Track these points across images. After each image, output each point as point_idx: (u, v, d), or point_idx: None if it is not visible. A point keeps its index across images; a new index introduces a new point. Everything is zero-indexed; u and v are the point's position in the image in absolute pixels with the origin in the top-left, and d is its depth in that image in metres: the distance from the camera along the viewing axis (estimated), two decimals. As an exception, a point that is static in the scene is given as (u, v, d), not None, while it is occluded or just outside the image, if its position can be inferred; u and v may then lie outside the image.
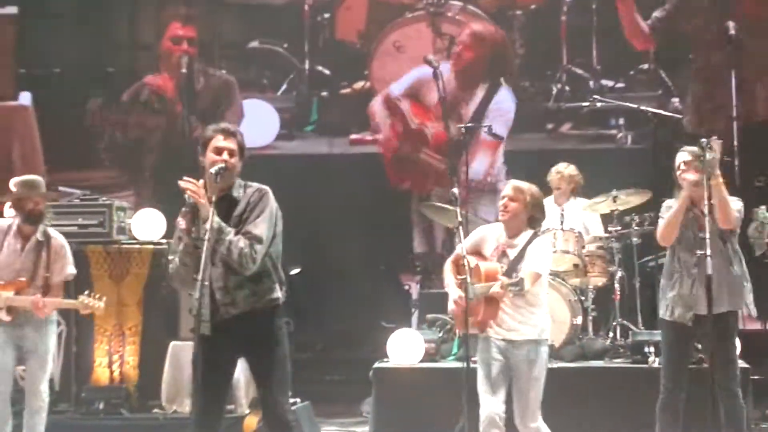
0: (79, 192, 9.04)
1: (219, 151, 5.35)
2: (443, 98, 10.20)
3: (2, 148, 10.79)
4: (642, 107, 8.77)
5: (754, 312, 6.36)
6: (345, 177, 10.80)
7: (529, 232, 6.11)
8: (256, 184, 5.48)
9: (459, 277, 5.92)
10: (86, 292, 6.98)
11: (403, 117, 11.02)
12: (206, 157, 5.37)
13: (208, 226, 5.13)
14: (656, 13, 10.59)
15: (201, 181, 5.28)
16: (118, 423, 8.05)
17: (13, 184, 7.24)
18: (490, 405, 5.96)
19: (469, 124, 8.94)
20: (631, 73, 10.95)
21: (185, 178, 5.27)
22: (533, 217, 6.13)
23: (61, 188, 9.27)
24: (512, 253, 6.05)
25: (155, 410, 8.13)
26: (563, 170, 8.77)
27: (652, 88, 10.84)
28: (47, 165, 10.62)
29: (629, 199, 8.37)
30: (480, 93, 10.87)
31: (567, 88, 10.85)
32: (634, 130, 10.43)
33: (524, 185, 6.15)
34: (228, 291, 5.30)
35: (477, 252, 6.12)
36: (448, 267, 6.18)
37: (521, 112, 10.85)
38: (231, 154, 5.36)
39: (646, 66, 10.94)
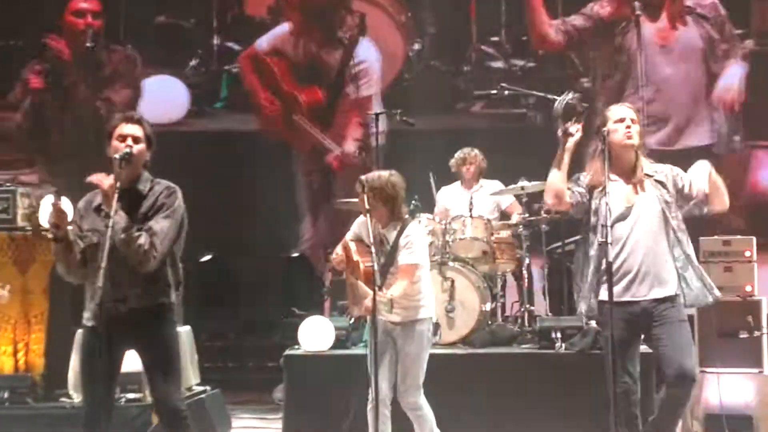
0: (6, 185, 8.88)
1: (123, 138, 5.30)
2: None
3: None
4: (550, 96, 8.85)
5: None
6: (256, 155, 10.75)
7: (397, 223, 6.27)
8: (164, 182, 5.43)
9: (367, 264, 6.02)
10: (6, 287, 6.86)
11: (273, 77, 10.98)
12: (111, 146, 5.31)
13: (111, 218, 5.06)
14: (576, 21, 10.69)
15: (111, 175, 5.21)
16: (24, 412, 7.90)
17: None
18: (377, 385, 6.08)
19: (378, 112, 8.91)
20: (541, 53, 11.07)
21: (95, 175, 5.21)
22: (388, 205, 6.25)
23: None
24: (389, 241, 6.25)
25: (62, 399, 8.00)
26: (466, 155, 8.85)
27: (562, 67, 10.97)
28: None
29: (536, 187, 8.46)
30: (336, 54, 10.90)
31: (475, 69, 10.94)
32: (545, 110, 10.52)
33: (375, 182, 6.21)
34: (120, 287, 5.25)
35: (360, 239, 6.28)
36: (338, 247, 6.41)
37: (431, 91, 10.87)
38: (135, 140, 5.31)
39: None
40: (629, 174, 5.79)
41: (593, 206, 5.76)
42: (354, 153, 10.56)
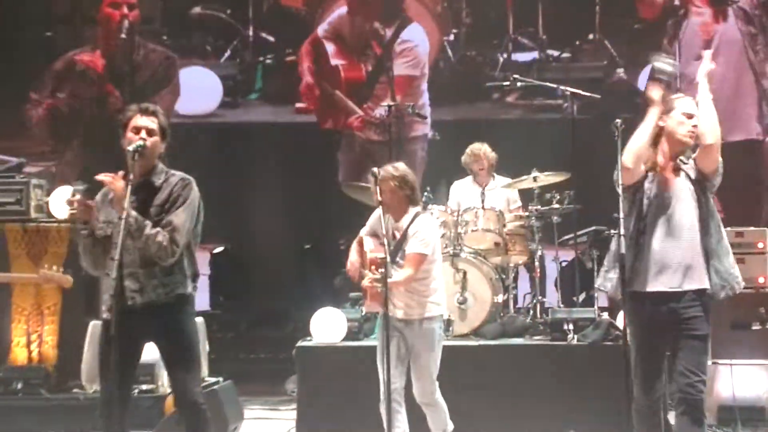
0: (15, 160, 8.90)
1: (137, 130, 5.29)
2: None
3: None
4: (562, 87, 8.82)
5: None
6: (287, 147, 10.74)
7: (412, 212, 6.23)
8: (179, 173, 5.42)
9: (379, 257, 5.93)
10: (46, 266, 6.85)
11: (324, 57, 10.94)
12: (125, 137, 5.31)
13: (122, 216, 5.07)
14: None
15: (120, 173, 5.21)
16: (38, 403, 7.96)
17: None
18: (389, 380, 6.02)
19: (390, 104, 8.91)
20: (577, 43, 11.03)
21: (104, 174, 5.21)
22: (408, 196, 6.21)
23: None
24: (399, 233, 6.22)
25: (75, 390, 8.05)
26: (478, 150, 8.83)
27: (598, 58, 10.94)
28: None
29: (548, 179, 8.46)
30: (389, 32, 10.85)
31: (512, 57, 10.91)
32: (581, 100, 10.49)
33: (387, 172, 6.18)
34: (138, 279, 5.27)
35: (374, 234, 6.26)
36: (353, 246, 6.38)
37: (468, 81, 10.84)
38: (149, 133, 5.30)
39: (591, 36, 11.03)
40: (670, 164, 5.52)
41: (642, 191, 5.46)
42: (379, 115, 10.48)
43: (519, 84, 8.82)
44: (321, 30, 11.04)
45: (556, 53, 10.99)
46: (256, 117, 11.12)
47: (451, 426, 6.52)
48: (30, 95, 10.79)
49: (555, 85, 8.96)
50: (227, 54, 11.27)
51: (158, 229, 5.22)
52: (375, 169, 6.09)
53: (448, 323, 7.50)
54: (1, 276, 7.06)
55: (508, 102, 10.88)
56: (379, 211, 6.14)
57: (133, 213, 5.16)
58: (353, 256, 6.36)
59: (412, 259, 6.12)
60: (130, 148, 5.22)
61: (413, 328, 6.23)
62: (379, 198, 6.01)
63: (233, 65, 11.25)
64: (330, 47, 10.93)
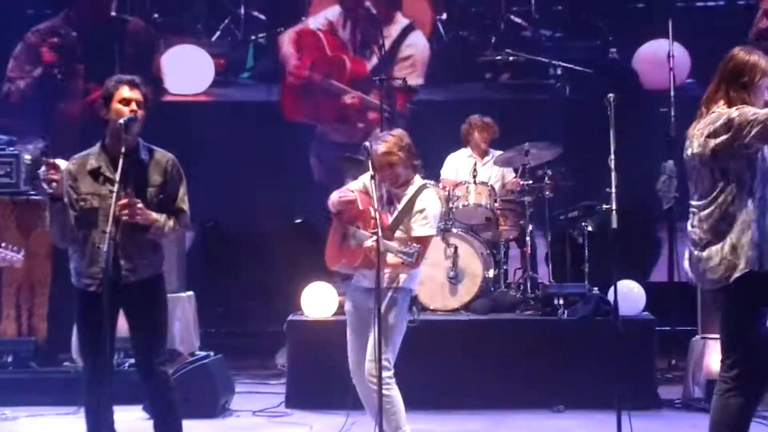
0: (5, 138, 8.84)
1: (126, 102, 5.25)
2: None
3: None
4: (554, 61, 8.80)
5: None
6: (277, 125, 10.69)
7: (417, 182, 5.87)
8: (159, 150, 5.43)
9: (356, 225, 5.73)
10: (2, 245, 6.83)
11: (319, 47, 10.83)
12: (111, 110, 5.26)
13: (114, 189, 5.09)
14: None
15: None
16: (28, 376, 7.95)
17: None
18: (353, 358, 5.89)
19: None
20: (570, 23, 10.98)
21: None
22: (412, 164, 5.84)
23: None
24: (401, 203, 5.82)
25: (66, 363, 8.04)
26: (484, 123, 8.80)
27: (591, 38, 10.92)
28: None
29: (541, 153, 8.44)
30: (394, 34, 10.81)
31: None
32: (573, 81, 10.39)
33: (390, 143, 5.77)
34: (132, 258, 5.28)
35: (366, 192, 5.86)
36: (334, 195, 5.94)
37: (460, 61, 10.78)
38: (138, 105, 5.28)
39: (584, 16, 10.99)
40: None
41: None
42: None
43: (511, 59, 8.78)
44: (315, 23, 10.94)
45: (548, 33, 10.95)
46: (248, 96, 11.06)
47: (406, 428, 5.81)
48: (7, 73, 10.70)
49: (547, 60, 8.96)
50: (218, 33, 11.19)
51: (172, 219, 5.34)
52: (367, 144, 5.84)
53: (414, 301, 7.07)
54: None
55: (500, 82, 10.84)
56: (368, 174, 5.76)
57: (155, 215, 5.24)
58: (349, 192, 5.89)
59: (424, 242, 5.73)
60: (122, 121, 5.19)
61: (380, 296, 5.52)
62: (389, 174, 5.73)
63: (225, 44, 11.17)
64: (325, 36, 10.83)
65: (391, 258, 5.64)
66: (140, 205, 5.16)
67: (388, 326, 5.68)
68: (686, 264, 5.07)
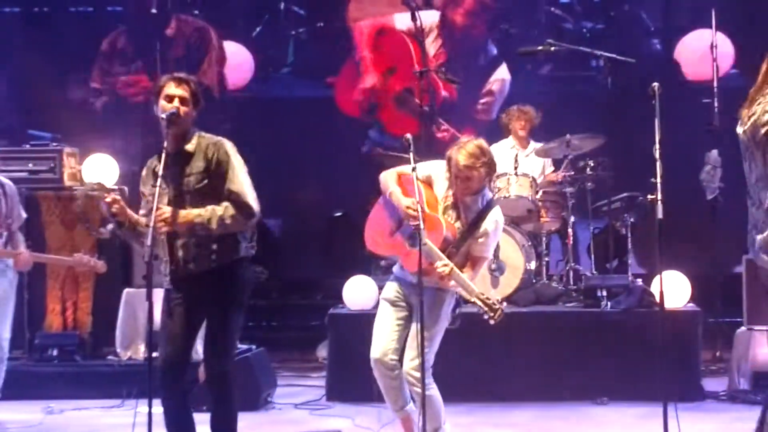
0: (49, 136, 8.93)
1: (170, 98, 5.27)
2: (419, 40, 9.76)
3: None
4: (597, 51, 8.71)
5: None
6: (318, 120, 10.66)
7: (487, 195, 5.67)
8: (208, 136, 5.38)
9: (413, 223, 5.40)
10: (82, 250, 6.91)
11: (405, 54, 10.53)
12: (158, 106, 5.30)
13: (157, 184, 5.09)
14: None
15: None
16: (73, 369, 8.02)
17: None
18: (381, 345, 5.71)
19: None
20: (612, 14, 10.90)
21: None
22: (489, 178, 5.69)
23: (31, 132, 9.14)
24: (468, 215, 5.60)
25: (109, 357, 8.11)
26: (520, 111, 8.75)
27: (633, 29, 10.82)
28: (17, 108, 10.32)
29: (582, 143, 8.38)
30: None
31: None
32: (615, 72, 10.30)
33: (480, 150, 5.55)
34: (188, 248, 5.25)
35: (428, 183, 5.64)
36: (391, 176, 5.70)
37: (501, 54, 10.66)
38: (182, 101, 5.27)
39: (626, 7, 10.89)
40: None
41: None
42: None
43: (552, 49, 8.68)
44: (398, 23, 10.60)
45: (590, 24, 10.85)
46: (288, 91, 11.05)
47: (446, 424, 5.73)
48: (91, 85, 10.72)
49: (588, 50, 8.85)
50: (259, 28, 11.19)
51: (226, 205, 5.19)
52: (408, 136, 5.74)
53: (458, 303, 7.05)
54: (36, 256, 7.07)
55: (541, 74, 10.76)
56: (441, 166, 5.62)
57: (196, 212, 5.16)
58: (394, 188, 5.59)
59: (479, 263, 5.63)
60: (164, 116, 5.22)
61: (424, 294, 5.43)
62: (465, 187, 5.49)
63: (265, 39, 11.17)
64: (414, 47, 10.39)
65: (452, 283, 5.47)
66: (166, 215, 5.10)
67: (431, 325, 5.55)
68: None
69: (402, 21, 10.47)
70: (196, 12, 11.00)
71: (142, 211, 5.35)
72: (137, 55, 10.58)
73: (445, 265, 5.37)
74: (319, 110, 10.80)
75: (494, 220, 5.62)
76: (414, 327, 5.54)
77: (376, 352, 5.73)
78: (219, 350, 5.33)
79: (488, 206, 5.64)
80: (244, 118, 10.59)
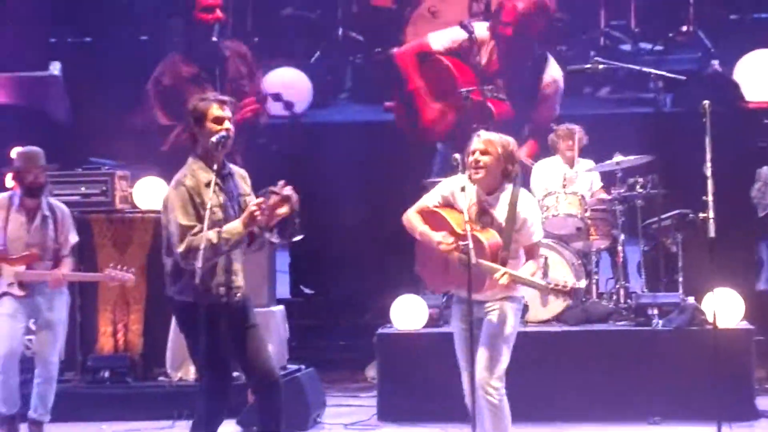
0: (111, 163, 9.04)
1: (220, 120, 5.34)
2: (478, 66, 9.79)
3: (34, 118, 10.69)
4: (646, 69, 8.65)
5: None
6: (375, 144, 10.70)
7: (509, 188, 5.58)
8: (234, 165, 5.58)
9: (461, 243, 5.38)
10: (111, 265, 7.02)
11: (449, 79, 10.44)
12: (205, 128, 5.33)
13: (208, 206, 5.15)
14: None
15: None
16: (124, 391, 8.09)
17: (15, 154, 7.24)
18: (467, 368, 5.65)
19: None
20: (670, 35, 10.82)
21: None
22: (506, 169, 5.54)
23: (92, 159, 9.26)
24: (498, 213, 5.54)
25: (160, 378, 8.16)
26: (573, 128, 8.71)
27: (692, 50, 10.74)
28: (75, 135, 10.44)
29: (631, 162, 8.32)
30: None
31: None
32: (673, 93, 10.18)
33: (494, 136, 5.61)
34: (238, 275, 5.41)
35: (449, 205, 5.60)
36: (414, 217, 5.66)
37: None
38: (230, 123, 5.38)
39: (685, 28, 10.80)
40: None
41: None
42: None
43: (600, 67, 8.62)
44: (434, 44, 10.50)
45: (648, 46, 10.79)
46: (345, 116, 11.11)
47: None
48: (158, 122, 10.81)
49: (637, 67, 8.78)
50: (317, 54, 11.28)
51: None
52: (457, 156, 5.76)
53: (525, 309, 7.27)
54: (71, 275, 7.19)
55: (599, 96, 10.72)
56: (451, 183, 5.65)
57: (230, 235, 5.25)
58: (421, 227, 5.59)
59: (535, 250, 5.60)
60: (214, 139, 5.28)
61: (490, 306, 5.53)
62: (480, 165, 5.47)
63: (323, 65, 11.25)
64: (454, 66, 10.35)
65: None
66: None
67: (503, 338, 5.53)
68: None
69: (437, 41, 10.45)
70: (256, 39, 11.11)
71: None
72: (204, 80, 10.65)
73: (502, 275, 5.34)
74: (375, 134, 10.82)
75: (525, 203, 5.58)
76: (483, 340, 5.53)
77: (465, 380, 5.71)
78: (269, 358, 5.51)
79: (513, 194, 5.57)
80: (301, 142, 10.65)
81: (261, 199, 5.23)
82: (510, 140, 5.62)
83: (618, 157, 8.25)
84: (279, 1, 11.33)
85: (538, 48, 10.27)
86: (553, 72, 10.24)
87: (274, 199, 5.24)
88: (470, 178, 5.56)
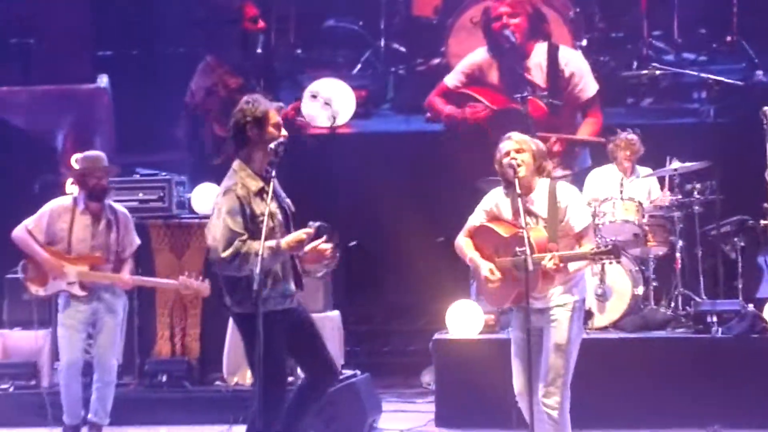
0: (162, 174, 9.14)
1: (278, 127, 5.37)
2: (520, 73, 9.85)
3: (81, 130, 10.86)
4: (703, 74, 8.57)
5: None
6: (419, 153, 10.71)
7: (545, 180, 5.56)
8: None
9: (519, 249, 5.36)
10: (186, 273, 7.08)
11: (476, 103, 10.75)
12: (265, 132, 5.34)
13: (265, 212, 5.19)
14: None
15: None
16: (181, 395, 8.13)
17: (75, 160, 7.34)
18: (520, 377, 5.63)
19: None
20: (714, 45, 10.71)
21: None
22: (541, 166, 5.56)
23: (139, 170, 9.37)
24: (539, 209, 5.52)
25: (217, 383, 8.21)
26: (628, 143, 8.63)
27: (735, 60, 10.64)
28: (120, 147, 10.58)
29: (689, 168, 8.24)
30: (539, 56, 10.70)
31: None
32: (717, 104, 10.10)
33: (524, 136, 5.63)
34: (291, 282, 5.41)
35: (496, 218, 5.63)
36: (464, 242, 5.76)
37: (601, 86, 10.57)
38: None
39: (729, 38, 10.68)
40: None
41: None
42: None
43: (658, 73, 8.55)
44: (451, 82, 10.84)
45: (692, 56, 10.70)
46: (389, 126, 11.14)
47: None
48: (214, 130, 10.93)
49: (695, 73, 8.71)
50: (359, 65, 11.34)
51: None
52: (514, 162, 5.69)
53: (588, 315, 7.23)
54: (140, 280, 7.29)
55: (643, 107, 10.66)
56: (495, 194, 5.65)
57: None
58: (472, 253, 5.69)
59: (585, 235, 5.51)
60: (273, 145, 5.28)
61: (550, 315, 5.49)
62: (519, 163, 5.45)
63: (365, 76, 11.29)
64: (478, 93, 10.67)
65: (572, 266, 5.44)
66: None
67: (565, 349, 5.48)
68: None
69: (450, 80, 10.83)
70: (299, 51, 11.17)
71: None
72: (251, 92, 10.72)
73: (550, 259, 5.31)
74: (420, 143, 10.84)
75: (564, 192, 5.56)
76: (545, 352, 5.50)
77: (517, 388, 5.69)
78: (326, 348, 5.62)
79: (551, 188, 5.55)
80: (347, 151, 10.70)
81: (310, 230, 5.27)
82: (537, 141, 5.66)
83: (675, 164, 8.18)
84: (321, 13, 11.38)
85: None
86: (566, 54, 10.41)
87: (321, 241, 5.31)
88: (513, 178, 5.49)
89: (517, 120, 8.97)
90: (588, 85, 10.52)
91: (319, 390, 5.54)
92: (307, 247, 5.32)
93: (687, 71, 9.05)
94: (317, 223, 5.35)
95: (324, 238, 5.33)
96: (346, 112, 10.98)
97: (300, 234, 5.24)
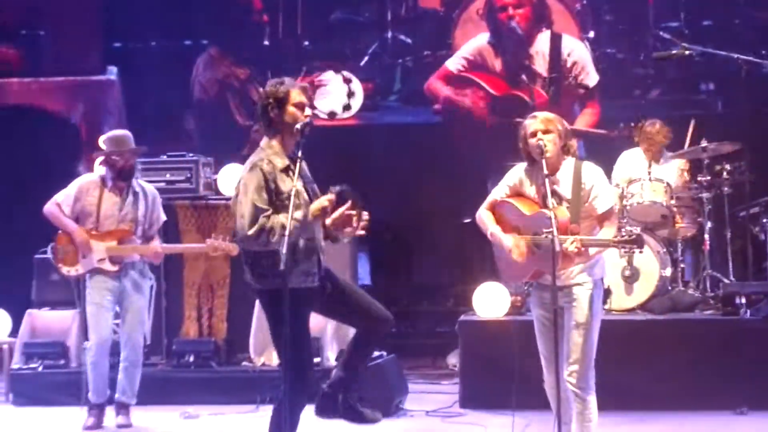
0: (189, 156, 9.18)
1: (302, 106, 5.32)
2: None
3: (92, 122, 10.92)
4: (733, 54, 8.47)
5: None
6: (429, 143, 10.69)
7: (570, 160, 5.47)
8: None
9: (545, 230, 5.26)
10: (213, 235, 7.13)
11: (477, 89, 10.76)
12: (286, 112, 5.30)
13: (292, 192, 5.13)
14: None
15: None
16: (208, 375, 8.18)
17: (102, 141, 7.38)
18: (548, 358, 5.54)
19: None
20: (720, 36, 10.63)
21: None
22: (566, 145, 5.47)
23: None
24: (563, 190, 5.43)
25: (244, 363, 8.24)
26: (650, 129, 8.56)
27: (743, 51, 10.49)
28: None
29: (719, 148, 8.18)
30: (542, 45, 10.63)
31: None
32: (725, 95, 10.10)
33: (550, 114, 5.54)
34: (317, 259, 5.35)
35: (518, 194, 5.54)
36: (485, 215, 5.66)
37: (608, 79, 10.59)
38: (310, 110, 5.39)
39: (735, 29, 10.63)
40: None
41: None
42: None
43: (687, 53, 8.43)
44: (454, 66, 10.87)
45: (699, 47, 10.62)
46: (396, 118, 11.13)
47: None
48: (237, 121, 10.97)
49: (724, 53, 8.57)
50: (366, 57, 11.32)
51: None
52: (542, 143, 5.64)
53: (608, 293, 7.16)
54: (170, 247, 7.40)
55: (650, 99, 10.59)
56: (519, 170, 5.56)
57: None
58: (493, 227, 5.60)
59: (608, 218, 5.42)
60: (299, 126, 5.25)
61: (570, 295, 5.43)
62: (546, 145, 5.34)
63: (373, 68, 11.27)
64: (480, 79, 10.71)
65: (592, 249, 5.38)
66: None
67: (588, 327, 5.41)
68: None
69: (452, 63, 10.85)
70: (306, 42, 11.16)
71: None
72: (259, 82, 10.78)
73: (572, 242, 5.24)
74: (427, 135, 10.87)
75: (590, 173, 5.47)
76: (567, 332, 5.44)
77: (545, 370, 5.64)
78: (372, 299, 5.49)
79: (576, 168, 5.47)
80: (356, 142, 10.72)
81: (332, 196, 5.22)
82: (562, 120, 5.55)
83: (704, 143, 8.12)
84: (328, 5, 11.39)
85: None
86: (569, 44, 10.41)
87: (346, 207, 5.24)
88: (540, 158, 5.39)
89: (518, 107, 8.98)
90: (590, 75, 10.50)
91: (377, 337, 5.49)
92: (334, 215, 5.27)
93: (717, 51, 8.93)
94: (338, 188, 5.30)
95: (348, 203, 5.28)
96: (353, 110, 10.99)
97: (323, 201, 5.20)
